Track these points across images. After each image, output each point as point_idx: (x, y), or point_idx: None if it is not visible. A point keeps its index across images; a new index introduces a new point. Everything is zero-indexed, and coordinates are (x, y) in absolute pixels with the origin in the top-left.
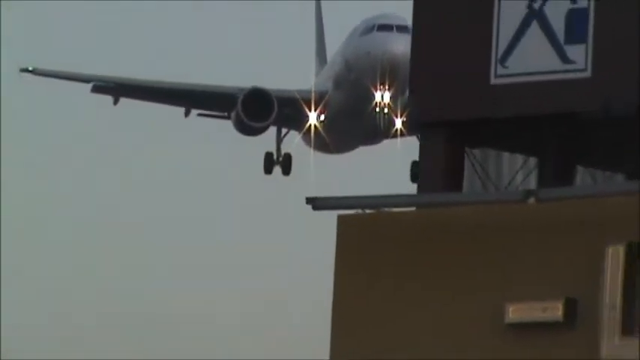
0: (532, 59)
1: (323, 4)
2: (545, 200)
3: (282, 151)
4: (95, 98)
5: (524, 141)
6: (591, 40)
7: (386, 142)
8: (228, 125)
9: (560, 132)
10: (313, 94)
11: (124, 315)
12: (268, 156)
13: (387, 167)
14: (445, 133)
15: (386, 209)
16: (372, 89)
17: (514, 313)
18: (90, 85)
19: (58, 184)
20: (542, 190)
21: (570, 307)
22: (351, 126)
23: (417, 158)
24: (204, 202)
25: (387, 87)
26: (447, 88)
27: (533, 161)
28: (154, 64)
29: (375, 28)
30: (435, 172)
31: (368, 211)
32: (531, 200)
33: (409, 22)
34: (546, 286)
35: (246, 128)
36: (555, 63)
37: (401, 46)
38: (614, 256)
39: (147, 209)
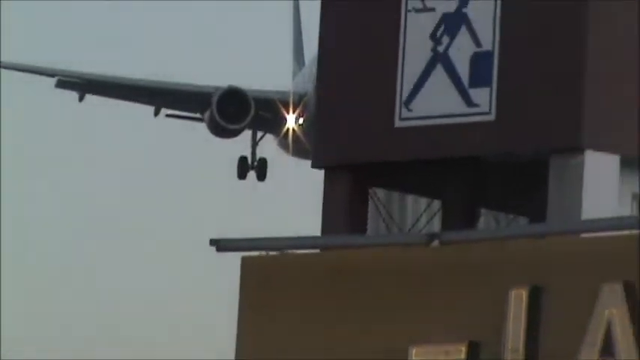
0: (436, 102)
1: (301, 3)
2: (448, 243)
3: (258, 156)
4: (60, 94)
5: (429, 183)
6: (495, 83)
7: None
8: (199, 127)
9: (464, 175)
10: (292, 96)
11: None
12: (242, 160)
13: None
14: (349, 175)
15: (290, 251)
16: None
17: (417, 355)
18: (54, 80)
19: (21, 182)
20: (446, 232)
21: (473, 350)
22: None
23: None
24: (174, 206)
25: None
26: (352, 131)
27: (437, 204)
28: (126, 60)
29: None
30: (338, 213)
31: (272, 253)
32: (435, 243)
33: None
34: (450, 328)
35: (221, 130)
36: (460, 106)
37: None
38: (517, 299)
39: (110, 209)
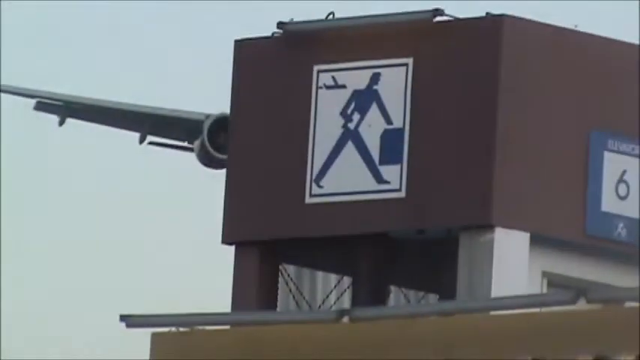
0: (347, 179)
1: None
2: (358, 320)
3: None
4: (38, 117)
5: (339, 260)
6: (406, 161)
7: None
8: (188, 157)
9: (374, 252)
10: None
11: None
12: None
13: None
14: (259, 252)
15: (200, 327)
16: None
17: None
18: (34, 102)
19: None
20: (356, 309)
21: None
22: None
23: None
24: (157, 241)
25: None
26: (262, 207)
27: (347, 280)
28: (110, 82)
29: None
30: (248, 289)
31: (182, 329)
32: (345, 319)
33: None
34: None
35: (211, 160)
36: (370, 183)
37: None
38: None
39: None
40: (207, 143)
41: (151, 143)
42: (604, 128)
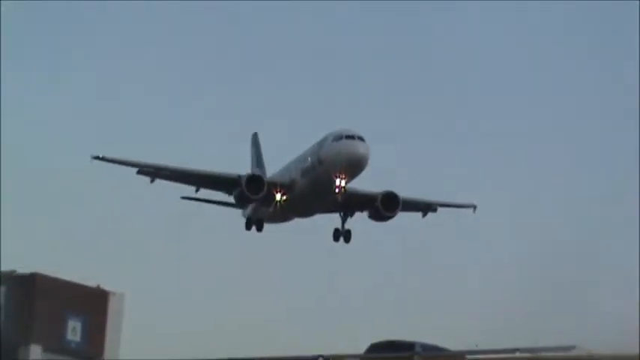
0: None
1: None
2: None
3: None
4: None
5: None
6: None
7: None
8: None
9: None
10: (286, 181)
11: None
12: (248, 220)
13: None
14: None
15: None
16: (334, 177)
17: None
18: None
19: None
20: None
21: None
22: (313, 201)
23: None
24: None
25: (345, 175)
26: None
27: None
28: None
29: (344, 137)
30: None
31: None
32: None
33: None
34: None
35: (245, 200)
36: None
37: (363, 148)
38: None
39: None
40: (245, 189)
41: (183, 198)
42: None
